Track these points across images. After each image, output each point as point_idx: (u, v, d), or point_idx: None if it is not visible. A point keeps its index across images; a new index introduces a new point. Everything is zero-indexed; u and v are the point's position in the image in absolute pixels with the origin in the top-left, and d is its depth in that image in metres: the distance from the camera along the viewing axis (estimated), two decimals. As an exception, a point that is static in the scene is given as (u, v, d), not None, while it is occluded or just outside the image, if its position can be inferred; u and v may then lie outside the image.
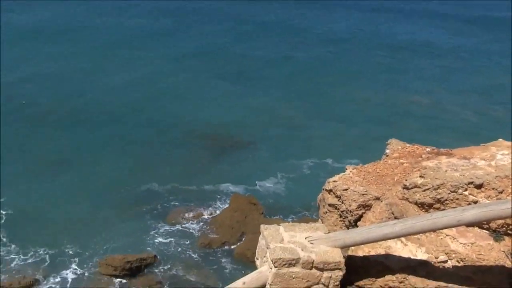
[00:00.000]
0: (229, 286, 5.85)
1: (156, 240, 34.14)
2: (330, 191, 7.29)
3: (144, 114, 51.54)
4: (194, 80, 61.52)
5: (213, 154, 45.00)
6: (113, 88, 57.98)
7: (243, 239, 33.87)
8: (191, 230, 35.32)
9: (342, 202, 7.09)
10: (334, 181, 7.38)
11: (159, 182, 39.95)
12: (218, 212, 36.95)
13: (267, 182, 41.22)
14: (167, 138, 47.24)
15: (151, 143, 46.44)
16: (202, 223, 35.96)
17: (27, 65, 63.13)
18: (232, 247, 33.66)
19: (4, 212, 35.56)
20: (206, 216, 36.69)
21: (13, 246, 32.63)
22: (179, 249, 33.40)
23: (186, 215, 36.58)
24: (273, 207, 37.42)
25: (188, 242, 34.07)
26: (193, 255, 33.01)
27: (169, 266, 31.82)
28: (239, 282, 5.77)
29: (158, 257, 32.14)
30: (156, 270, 31.38)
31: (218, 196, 38.96)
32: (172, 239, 34.32)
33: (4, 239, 33.17)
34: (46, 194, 37.68)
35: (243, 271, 30.70)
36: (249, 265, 30.91)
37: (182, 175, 40.84)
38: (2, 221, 34.81)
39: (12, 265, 31.30)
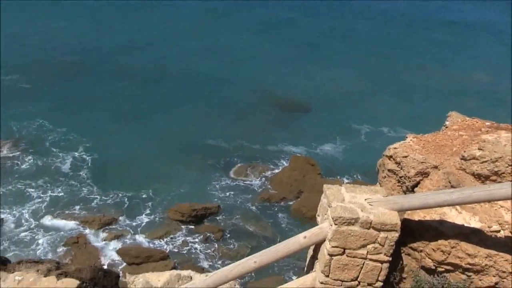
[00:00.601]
0: (290, 239, 5.78)
1: (220, 192, 34.56)
2: (390, 157, 7.10)
3: (219, 77, 51.63)
4: (266, 49, 61.10)
5: (278, 116, 44.90)
6: (192, 53, 58.27)
7: (300, 197, 33.82)
8: (252, 185, 35.55)
9: (401, 168, 6.89)
10: (395, 148, 7.17)
11: (226, 139, 40.23)
12: (278, 170, 36.94)
13: (326, 145, 40.87)
14: (237, 99, 47.33)
15: (221, 103, 46.65)
16: (263, 180, 36.12)
17: (117, 31, 64.08)
18: (290, 203, 33.72)
19: (88, 157, 36.76)
20: (267, 173, 36.79)
21: (95, 187, 33.75)
22: (241, 201, 33.72)
23: (249, 171, 36.77)
24: (330, 169, 37.14)
25: (249, 196, 34.34)
26: (252, 208, 33.28)
27: (230, 216, 32.23)
28: (300, 236, 5.71)
29: (221, 207, 32.58)
30: (219, 219, 31.86)
31: (280, 156, 38.94)
32: (234, 192, 34.67)
33: (88, 181, 34.34)
34: (126, 143, 38.70)
35: (298, 226, 30.85)
36: (304, 221, 31.02)
37: (248, 134, 40.94)
38: (88, 164, 36.02)
39: (93, 203, 32.43)
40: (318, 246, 5.82)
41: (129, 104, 44.96)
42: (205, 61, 55.66)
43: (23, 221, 30.66)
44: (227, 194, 34.43)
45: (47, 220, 30.81)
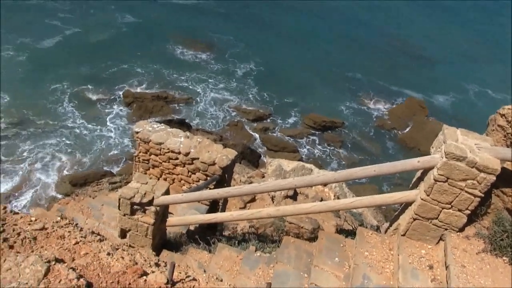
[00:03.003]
0: (407, 160, 5.56)
1: (346, 112, 34.10)
2: (502, 115, 6.42)
3: (370, 27, 48.96)
4: (410, 10, 56.33)
5: (406, 63, 42.41)
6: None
7: (407, 130, 32.52)
8: (372, 112, 34.64)
9: (510, 126, 6.23)
10: (509, 108, 6.46)
11: (362, 73, 38.94)
12: (394, 105, 35.55)
13: (439, 95, 38.16)
14: (379, 45, 44.96)
15: (367, 46, 44.69)
16: (380, 110, 35.03)
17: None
18: (398, 133, 32.54)
19: (256, 68, 37.52)
20: (385, 106, 35.62)
21: (256, 89, 34.70)
22: (361, 123, 33.09)
23: (372, 101, 35.80)
24: (436, 114, 34.90)
25: (368, 120, 33.60)
26: (369, 130, 32.59)
27: (350, 132, 31.86)
28: (415, 160, 5.48)
29: (345, 123, 32.20)
30: (341, 132, 31.62)
31: (399, 94, 37.25)
32: (358, 114, 34.09)
33: (252, 84, 35.26)
34: (286, 60, 39.02)
35: (400, 152, 29.85)
36: (406, 150, 29.90)
37: (379, 73, 39.29)
38: (255, 73, 36.91)
39: (253, 100, 33.47)
40: (426, 170, 5.57)
41: (297, 32, 44.70)
42: (360, 11, 52.87)
43: (204, 101, 32.62)
44: (352, 114, 33.92)
45: (219, 104, 32.48)
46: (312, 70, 38.10)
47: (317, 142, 30.26)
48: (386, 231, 6.79)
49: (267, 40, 41.94)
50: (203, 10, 46.58)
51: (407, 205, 6.06)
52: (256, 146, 28.58)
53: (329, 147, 29.98)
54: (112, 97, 30.68)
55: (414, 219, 5.75)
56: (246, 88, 34.61)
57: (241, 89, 34.30)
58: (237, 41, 40.83)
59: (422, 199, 5.53)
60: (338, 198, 15.86)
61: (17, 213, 4.05)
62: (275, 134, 30.28)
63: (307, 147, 29.85)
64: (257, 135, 29.71)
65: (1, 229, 3.27)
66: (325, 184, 16.57)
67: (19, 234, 3.34)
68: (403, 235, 5.97)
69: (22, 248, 3.21)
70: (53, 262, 2.93)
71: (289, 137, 30.19)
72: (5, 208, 3.99)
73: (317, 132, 30.88)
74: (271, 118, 31.88)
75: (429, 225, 5.73)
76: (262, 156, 26.56)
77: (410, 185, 6.15)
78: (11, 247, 3.15)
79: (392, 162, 5.53)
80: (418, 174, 5.92)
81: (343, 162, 28.56)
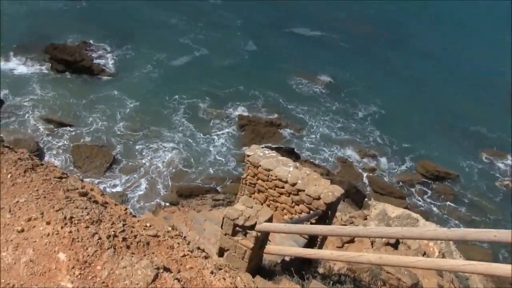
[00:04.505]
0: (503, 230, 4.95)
1: (464, 165, 31.83)
2: None
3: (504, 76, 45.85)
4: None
5: None
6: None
7: None
8: (494, 169, 31.99)
9: None
10: None
11: (487, 126, 36.29)
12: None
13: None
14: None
15: (497, 96, 41.83)
16: (505, 169, 32.17)
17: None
18: None
19: (378, 111, 36.64)
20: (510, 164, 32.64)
21: (377, 132, 33.83)
22: (479, 179, 30.56)
23: (496, 157, 33.02)
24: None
25: (489, 177, 30.99)
26: (487, 188, 29.93)
27: (466, 187, 29.58)
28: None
29: (460, 177, 30.02)
30: (455, 185, 29.52)
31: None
32: (477, 169, 31.59)
33: (366, 124, 34.50)
34: (406, 104, 37.83)
35: None
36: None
37: (507, 126, 36.21)
38: (376, 116, 35.99)
39: (370, 141, 32.67)
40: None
41: (421, 76, 43.39)
42: (493, 60, 49.66)
43: (316, 134, 32.52)
44: (470, 169, 31.49)
45: (331, 139, 32.14)
46: (434, 117, 36.28)
47: (428, 192, 28.52)
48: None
49: (388, 81, 40.95)
50: (326, 43, 47.18)
51: (530, 280, 5.39)
52: (362, 186, 27.76)
53: (439, 200, 28.09)
54: (226, 117, 32.08)
55: (538, 299, 5.08)
56: (360, 127, 33.84)
57: (356, 129, 33.54)
58: (357, 80, 40.43)
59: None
60: (443, 255, 14.77)
61: (135, 216, 4.39)
62: (384, 177, 29.21)
63: (416, 195, 28.28)
64: (365, 175, 28.89)
65: (122, 228, 3.56)
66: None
67: (135, 236, 3.60)
68: (522, 314, 5.30)
69: (137, 250, 3.45)
70: (161, 270, 3.10)
71: (398, 182, 28.92)
72: (126, 209, 4.36)
73: (428, 181, 29.13)
74: (382, 160, 30.85)
75: (556, 309, 5.01)
76: (366, 197, 25.73)
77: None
78: (128, 247, 3.41)
79: (519, 229, 4.96)
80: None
81: (454, 219, 26.50)
